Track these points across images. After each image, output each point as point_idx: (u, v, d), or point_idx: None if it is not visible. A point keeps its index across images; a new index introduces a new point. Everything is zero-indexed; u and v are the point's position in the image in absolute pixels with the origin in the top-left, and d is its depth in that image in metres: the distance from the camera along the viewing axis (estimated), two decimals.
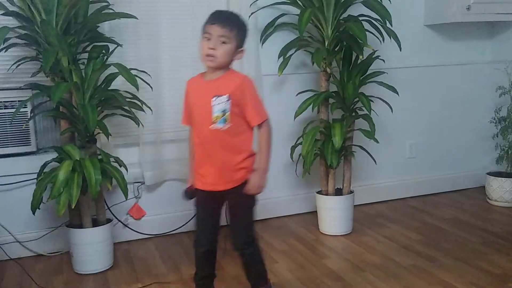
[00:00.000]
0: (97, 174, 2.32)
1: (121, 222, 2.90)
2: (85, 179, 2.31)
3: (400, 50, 2.78)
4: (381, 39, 2.84)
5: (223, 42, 1.86)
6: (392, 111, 2.89)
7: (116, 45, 2.52)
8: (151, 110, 2.63)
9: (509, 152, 3.34)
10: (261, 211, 3.17)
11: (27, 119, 2.60)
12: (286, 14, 2.97)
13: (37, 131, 2.70)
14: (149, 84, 2.60)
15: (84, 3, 2.40)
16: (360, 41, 2.64)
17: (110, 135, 2.47)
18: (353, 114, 2.87)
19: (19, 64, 2.47)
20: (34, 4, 2.29)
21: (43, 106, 2.62)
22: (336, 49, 2.84)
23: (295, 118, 2.87)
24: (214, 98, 1.89)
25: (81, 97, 2.41)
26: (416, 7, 3.44)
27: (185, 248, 2.77)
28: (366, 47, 2.69)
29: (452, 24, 3.41)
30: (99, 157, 2.48)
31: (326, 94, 2.84)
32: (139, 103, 2.54)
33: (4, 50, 2.40)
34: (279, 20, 2.97)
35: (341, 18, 2.80)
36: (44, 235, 2.74)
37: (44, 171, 2.46)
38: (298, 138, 2.91)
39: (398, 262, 2.50)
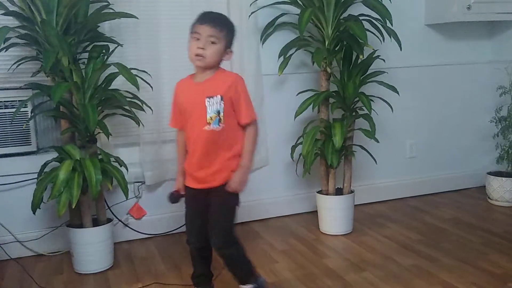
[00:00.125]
0: (98, 174, 2.32)
1: (122, 222, 2.90)
2: (86, 179, 2.31)
3: (401, 50, 2.78)
4: (381, 38, 2.84)
5: (212, 42, 1.87)
6: (392, 110, 2.89)
7: (116, 45, 2.52)
8: (151, 109, 2.64)
9: (510, 152, 3.34)
10: (261, 211, 3.19)
11: (27, 119, 2.60)
12: (286, 13, 2.97)
13: (38, 131, 2.69)
14: (149, 84, 2.60)
15: (84, 3, 2.40)
16: (360, 41, 2.64)
17: (111, 134, 2.47)
18: (354, 113, 2.87)
19: (20, 64, 2.47)
20: (35, 4, 2.29)
21: (44, 106, 2.62)
22: (336, 49, 2.83)
23: (295, 117, 2.87)
24: (207, 99, 1.89)
25: (82, 97, 2.41)
26: (417, 6, 3.44)
27: (185, 248, 2.72)
28: (366, 47, 2.69)
29: (452, 23, 3.41)
30: (100, 157, 2.49)
31: (326, 93, 2.84)
32: (139, 102, 2.54)
33: (5, 50, 2.40)
34: (279, 20, 2.97)
35: (341, 17, 2.80)
36: (44, 234, 2.74)
37: (45, 171, 2.46)
38: (299, 138, 2.91)
39: (398, 262, 2.50)
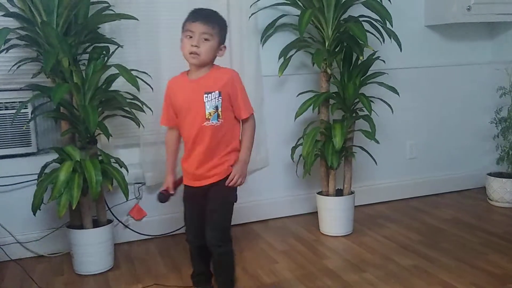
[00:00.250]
0: (98, 175, 2.32)
1: (122, 223, 2.91)
2: (86, 180, 2.32)
3: (401, 51, 2.79)
4: (381, 39, 2.85)
5: (206, 39, 1.88)
6: (392, 111, 2.89)
7: (116, 46, 2.52)
8: (151, 110, 2.63)
9: (510, 153, 3.33)
10: (262, 212, 3.19)
11: (27, 120, 2.61)
12: (287, 15, 2.98)
13: (38, 132, 2.70)
14: (149, 85, 2.60)
15: (84, 4, 2.40)
16: (360, 42, 2.64)
17: (111, 136, 2.47)
18: (354, 114, 2.87)
19: (20, 65, 2.47)
20: (35, 5, 2.30)
21: (44, 107, 2.62)
22: (336, 50, 2.84)
23: (295, 118, 2.87)
24: (205, 95, 1.90)
25: (82, 98, 2.41)
26: (416, 7, 3.44)
27: (185, 249, 2.73)
28: (366, 48, 2.69)
29: (452, 24, 3.41)
30: (100, 158, 2.49)
31: (326, 94, 2.84)
32: (139, 104, 2.54)
33: (5, 51, 2.40)
34: (280, 21, 2.97)
35: (341, 18, 2.80)
36: (44, 236, 2.74)
37: (45, 172, 2.46)
38: (299, 139, 2.91)
39: (398, 262, 2.50)
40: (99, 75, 2.43)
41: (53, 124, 2.71)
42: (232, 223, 2.04)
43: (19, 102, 2.58)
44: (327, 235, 2.92)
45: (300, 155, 2.84)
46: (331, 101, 2.90)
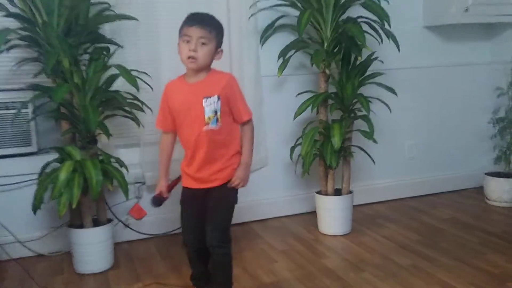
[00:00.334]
0: (98, 175, 2.33)
1: (122, 222, 2.91)
2: (86, 180, 2.33)
3: (399, 51, 2.80)
4: (379, 40, 2.86)
5: (203, 44, 1.88)
6: (390, 111, 2.91)
7: (116, 47, 2.53)
8: (151, 110, 2.64)
9: (507, 153, 3.35)
10: (261, 211, 3.20)
11: (28, 120, 2.61)
12: (286, 15, 2.99)
13: (38, 132, 2.71)
14: (149, 85, 2.61)
15: (85, 5, 2.41)
16: (359, 43, 2.65)
17: (111, 135, 2.47)
18: (352, 115, 2.88)
19: (21, 65, 2.48)
20: (36, 6, 2.30)
21: (44, 107, 2.61)
22: (335, 51, 2.85)
23: (294, 118, 2.88)
24: (204, 100, 1.90)
25: (82, 98, 2.42)
26: (415, 8, 3.45)
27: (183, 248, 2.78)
28: (365, 49, 2.70)
29: (450, 25, 3.42)
30: (100, 157, 2.50)
31: (325, 95, 2.85)
32: (139, 104, 2.55)
33: (6, 51, 2.41)
34: (279, 22, 2.98)
35: (340, 19, 2.81)
36: (45, 235, 2.75)
37: (45, 171, 2.47)
38: (298, 139, 2.92)
39: (397, 262, 2.51)
40: (100, 75, 2.44)
41: (53, 124, 2.71)
42: (231, 223, 2.04)
43: (20, 102, 2.57)
44: (326, 235, 2.93)
45: (299, 155, 2.85)
46: (330, 101, 2.91)
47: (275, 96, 3.16)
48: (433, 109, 3.59)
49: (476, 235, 2.84)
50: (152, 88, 2.63)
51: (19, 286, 2.41)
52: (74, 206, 2.32)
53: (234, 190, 2.02)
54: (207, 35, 1.88)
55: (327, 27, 2.77)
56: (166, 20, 2.82)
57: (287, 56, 2.91)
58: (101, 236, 2.53)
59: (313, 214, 3.11)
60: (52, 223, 2.75)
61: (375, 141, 2.79)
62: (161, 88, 2.80)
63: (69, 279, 2.48)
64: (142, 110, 2.57)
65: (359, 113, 2.87)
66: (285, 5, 2.92)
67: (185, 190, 2.06)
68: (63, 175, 2.30)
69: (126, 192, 2.46)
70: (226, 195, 2.00)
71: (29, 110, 2.61)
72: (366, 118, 2.78)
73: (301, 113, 2.84)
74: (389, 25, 2.70)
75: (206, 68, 1.95)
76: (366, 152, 2.93)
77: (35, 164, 2.58)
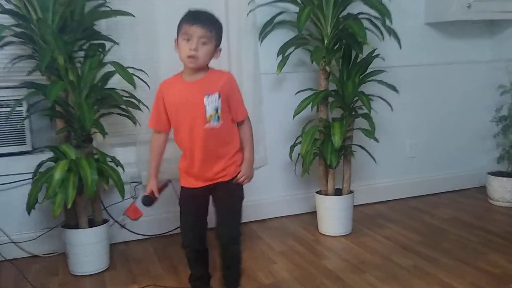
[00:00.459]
0: (93, 174, 2.30)
1: (118, 223, 2.88)
2: (81, 179, 2.29)
3: (400, 48, 2.77)
4: (381, 37, 2.83)
5: (204, 43, 1.86)
6: (392, 110, 2.88)
7: (113, 43, 2.50)
8: (148, 108, 2.60)
9: (510, 152, 3.32)
10: (260, 211, 3.16)
11: (22, 118, 2.58)
12: (285, 12, 2.96)
13: (33, 130, 2.68)
14: (146, 83, 2.58)
15: (80, 1, 2.38)
16: (359, 39, 2.62)
17: (107, 134, 2.45)
18: (353, 113, 2.85)
19: (15, 63, 2.45)
20: (30, 2, 2.27)
21: (39, 105, 2.59)
22: (335, 48, 2.81)
23: (294, 117, 2.84)
24: (206, 97, 1.88)
25: (78, 95, 2.38)
26: (416, 5, 3.42)
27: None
28: (365, 45, 2.67)
29: (452, 22, 3.39)
30: (96, 156, 2.47)
31: (325, 93, 2.82)
32: (136, 102, 2.52)
33: (0, 48, 2.37)
34: (278, 18, 2.95)
35: (340, 16, 2.77)
36: (39, 235, 2.72)
37: (40, 170, 2.43)
38: (297, 138, 2.89)
39: (398, 262, 2.48)
40: (95, 73, 2.41)
41: (48, 122, 2.68)
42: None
43: (14, 100, 2.55)
44: (326, 235, 2.90)
45: (299, 154, 2.81)
46: (330, 99, 2.87)
47: (275, 94, 3.13)
48: (434, 108, 3.57)
49: (478, 235, 2.81)
50: (149, 86, 2.59)
51: (13, 287, 2.38)
52: (69, 206, 2.28)
53: (240, 186, 2.03)
54: (208, 35, 1.86)
55: (327, 23, 2.74)
56: (163, 17, 2.77)
57: (286, 53, 2.88)
58: (96, 237, 2.49)
59: (313, 214, 3.09)
60: (47, 224, 2.72)
61: (376, 140, 2.76)
62: (158, 86, 2.80)
63: (64, 280, 2.45)
64: (139, 108, 2.53)
65: (360, 111, 2.84)
66: (284, 1, 2.88)
67: (185, 190, 2.04)
68: (58, 175, 2.27)
69: (122, 192, 2.43)
70: (234, 192, 2.02)
71: (24, 108, 2.59)
72: (367, 116, 2.75)
73: (301, 111, 2.81)
74: (391, 22, 2.67)
75: (205, 67, 1.93)
76: (367, 151, 2.90)
77: (29, 163, 2.54)
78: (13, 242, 2.69)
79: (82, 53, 2.47)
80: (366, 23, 2.71)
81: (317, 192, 2.96)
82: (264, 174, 3.14)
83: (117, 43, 2.51)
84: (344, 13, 2.81)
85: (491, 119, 3.44)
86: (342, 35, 2.75)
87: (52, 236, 2.72)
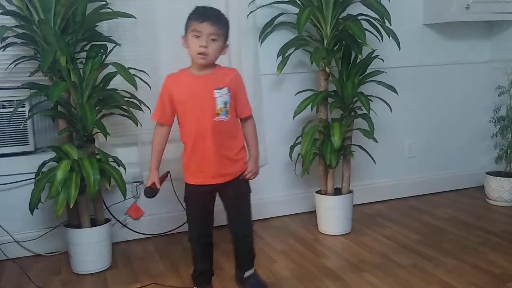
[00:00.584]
0: (96, 174, 2.31)
1: (120, 222, 2.89)
2: (83, 179, 2.31)
3: (399, 49, 2.77)
4: (380, 38, 2.84)
5: (213, 40, 1.89)
6: (391, 110, 2.89)
7: (114, 45, 2.51)
8: (149, 109, 2.62)
9: (508, 152, 3.33)
10: (260, 211, 3.17)
11: (25, 119, 2.59)
12: (285, 13, 2.97)
13: (35, 131, 2.69)
14: (147, 84, 2.59)
15: (82, 2, 2.39)
16: (359, 40, 2.63)
17: (109, 134, 2.46)
18: (352, 113, 2.86)
19: (17, 64, 2.46)
20: (32, 3, 2.29)
21: (41, 106, 2.60)
22: (335, 49, 2.83)
23: (294, 117, 2.85)
24: (216, 91, 1.92)
25: (79, 96, 2.40)
26: (415, 6, 3.43)
27: (184, 248, 2.76)
28: (365, 46, 2.68)
29: (451, 23, 3.40)
30: (98, 156, 2.48)
31: (325, 93, 2.83)
32: (137, 102, 2.53)
33: (2, 49, 2.39)
34: (278, 19, 2.96)
35: (340, 17, 2.79)
36: (42, 235, 2.73)
37: (42, 170, 2.45)
38: (297, 138, 2.91)
39: (397, 261, 2.49)
40: (97, 74, 2.42)
41: (50, 122, 2.71)
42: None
43: (17, 100, 2.57)
44: (326, 234, 2.91)
45: (299, 154, 2.83)
46: (330, 100, 2.89)
47: (275, 95, 3.14)
48: (433, 108, 3.58)
49: (477, 234, 2.82)
50: (150, 87, 2.61)
51: (16, 286, 2.39)
52: (71, 205, 2.30)
53: (247, 181, 2.08)
54: (218, 32, 1.89)
55: (327, 24, 2.75)
56: (164, 18, 2.79)
57: (286, 54, 2.89)
58: (98, 236, 2.51)
59: (312, 213, 3.10)
60: (49, 223, 2.73)
61: (375, 140, 2.77)
62: (160, 86, 2.80)
63: (67, 279, 2.46)
64: (140, 109, 2.55)
65: (359, 112, 2.85)
66: (284, 2, 2.90)
67: (189, 186, 2.06)
68: (60, 174, 2.29)
69: (123, 192, 2.44)
70: (243, 188, 2.07)
71: (26, 108, 2.60)
72: (366, 117, 2.76)
73: (300, 111, 2.82)
74: (390, 23, 2.69)
75: (213, 63, 1.97)
76: (366, 151, 2.92)
77: (32, 163, 2.56)
78: (16, 241, 2.70)
79: (84, 54, 2.48)
80: (365, 24, 2.72)
81: (317, 192, 2.98)
82: (264, 174, 3.12)
83: (119, 44, 2.52)
84: (344, 14, 2.82)
85: (489, 119, 3.45)
86: (342, 36, 2.77)
87: (55, 236, 2.74)
